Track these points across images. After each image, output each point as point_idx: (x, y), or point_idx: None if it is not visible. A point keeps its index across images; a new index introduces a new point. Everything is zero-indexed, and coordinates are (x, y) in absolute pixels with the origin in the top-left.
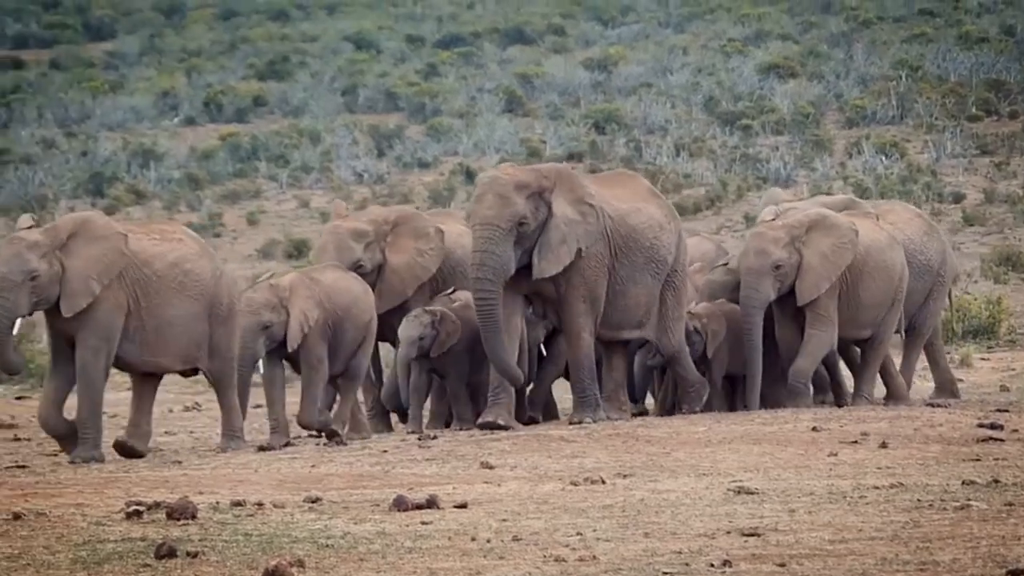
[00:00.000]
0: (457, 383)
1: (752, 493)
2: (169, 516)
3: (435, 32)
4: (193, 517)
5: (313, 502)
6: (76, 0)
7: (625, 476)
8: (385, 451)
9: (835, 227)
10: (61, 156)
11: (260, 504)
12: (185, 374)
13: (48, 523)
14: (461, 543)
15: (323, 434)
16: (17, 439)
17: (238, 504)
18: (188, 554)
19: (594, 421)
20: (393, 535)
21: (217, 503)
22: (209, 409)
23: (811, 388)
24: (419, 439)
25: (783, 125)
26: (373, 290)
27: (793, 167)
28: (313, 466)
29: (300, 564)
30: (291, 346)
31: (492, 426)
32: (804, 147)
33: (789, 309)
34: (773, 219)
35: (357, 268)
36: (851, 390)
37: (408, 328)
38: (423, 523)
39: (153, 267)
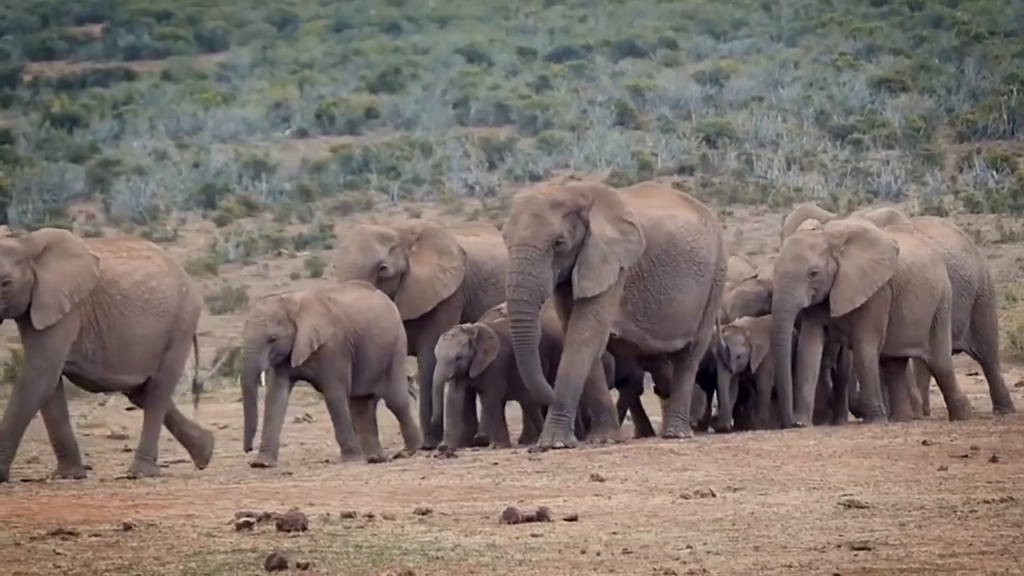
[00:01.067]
0: (494, 401)
1: (862, 507)
2: (279, 528)
3: (547, 45)
4: (303, 529)
5: (423, 514)
6: (188, 12)
7: (735, 489)
8: (496, 463)
9: (876, 241)
10: (173, 167)
11: (370, 516)
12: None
13: (158, 534)
14: (571, 556)
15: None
16: (128, 450)
17: (348, 516)
18: (298, 566)
19: (564, 446)
20: (503, 547)
21: (327, 515)
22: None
23: (811, 408)
24: (529, 451)
25: (894, 139)
26: (393, 298)
27: (904, 181)
28: (423, 478)
29: (411, 575)
30: (295, 361)
31: (550, 449)
32: (915, 161)
33: (818, 320)
34: (814, 228)
35: (380, 270)
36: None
37: (445, 348)
38: (533, 535)
39: (119, 286)
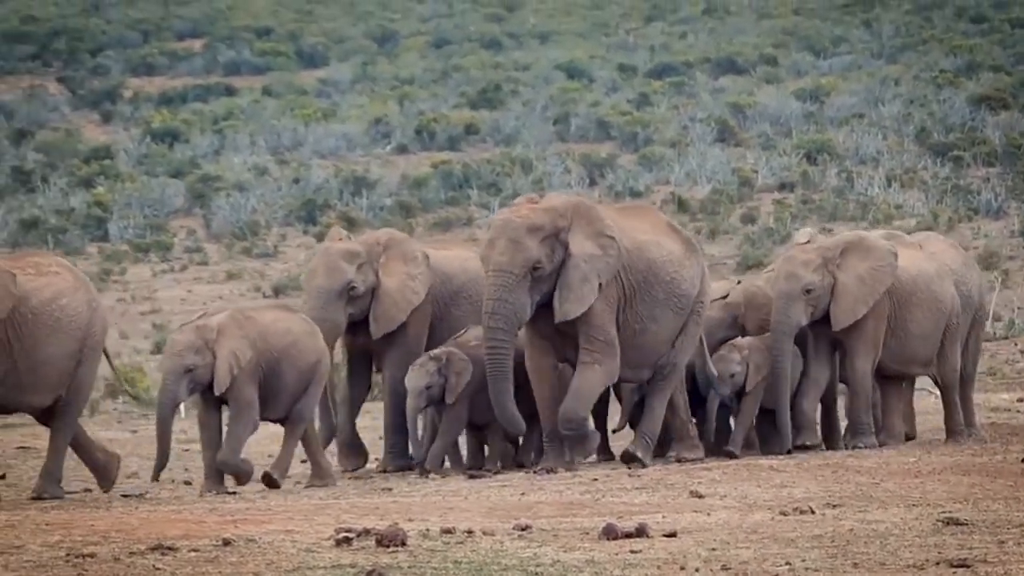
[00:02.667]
0: (453, 425)
1: (961, 524)
2: (379, 543)
3: (647, 61)
4: (403, 544)
5: (523, 530)
6: (289, 27)
7: (834, 506)
8: (595, 479)
9: (873, 249)
10: (273, 183)
11: (470, 531)
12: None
13: (258, 549)
14: (670, 572)
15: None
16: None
17: (448, 531)
18: None
19: (566, 470)
20: (602, 563)
21: (427, 530)
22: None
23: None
24: (628, 468)
25: (994, 156)
26: (368, 315)
27: (1004, 199)
28: (523, 494)
29: None
30: (218, 390)
31: (550, 472)
32: (1015, 179)
33: (824, 338)
34: (807, 242)
35: (350, 290)
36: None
37: (415, 378)
38: (632, 552)
39: (29, 304)
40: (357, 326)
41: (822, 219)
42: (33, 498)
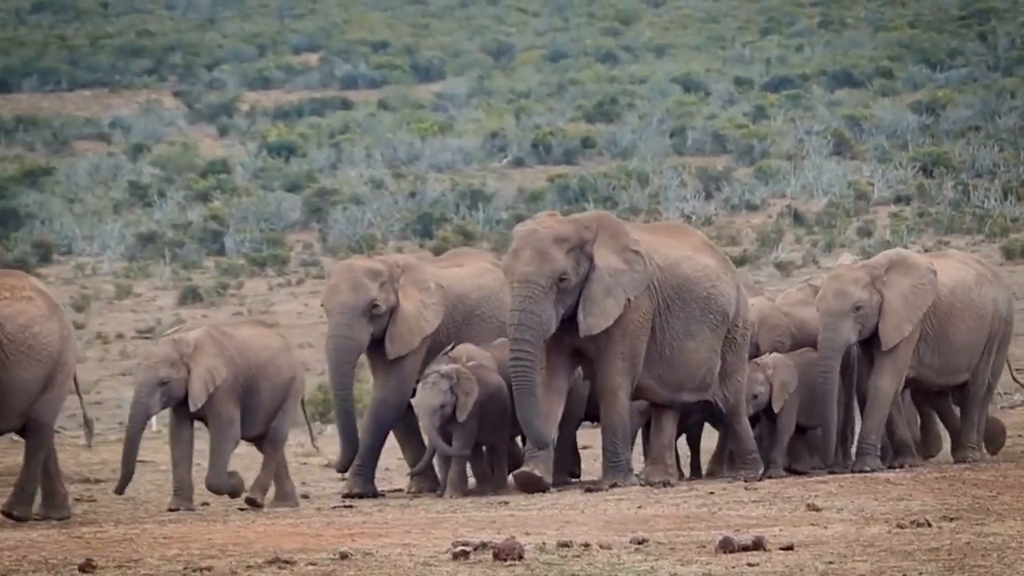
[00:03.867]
0: (464, 445)
1: None
2: (496, 556)
3: (763, 74)
4: (520, 558)
5: (640, 543)
6: (405, 41)
7: (951, 519)
8: (712, 492)
9: (914, 267)
10: (390, 197)
11: (587, 545)
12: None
13: (375, 563)
14: None
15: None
16: (344, 479)
17: (565, 545)
18: None
19: (623, 486)
20: None
21: (544, 543)
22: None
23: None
24: (745, 482)
25: None
26: (384, 335)
27: None
28: (640, 507)
29: None
30: (194, 405)
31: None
32: None
33: (874, 357)
34: (853, 262)
35: (373, 308)
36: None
37: (427, 397)
38: (749, 565)
39: (5, 330)
40: (375, 345)
41: (938, 232)
42: (3, 513)
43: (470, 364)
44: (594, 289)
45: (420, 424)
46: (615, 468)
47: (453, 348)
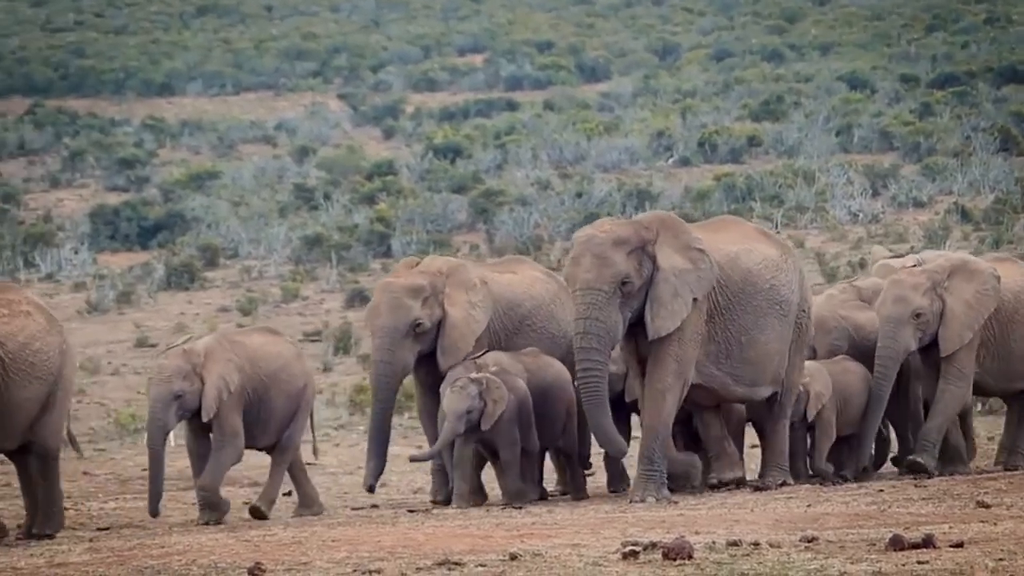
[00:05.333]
0: (511, 454)
1: None
2: (665, 556)
3: (929, 71)
4: (689, 557)
5: (809, 541)
6: (570, 41)
7: None
8: (881, 490)
9: (977, 272)
10: (556, 197)
11: (756, 544)
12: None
13: (544, 563)
14: None
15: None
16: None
17: (734, 544)
18: None
19: (657, 500)
20: (889, 575)
21: (713, 543)
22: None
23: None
24: (914, 480)
25: None
26: (435, 347)
27: None
28: (809, 506)
29: None
30: (206, 416)
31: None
32: None
33: (931, 364)
34: (914, 265)
35: (416, 327)
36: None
37: (455, 401)
38: (919, 563)
39: (5, 348)
40: (424, 360)
41: None
42: (23, 537)
43: (495, 371)
44: (661, 290)
45: (444, 427)
46: (648, 478)
47: (484, 355)
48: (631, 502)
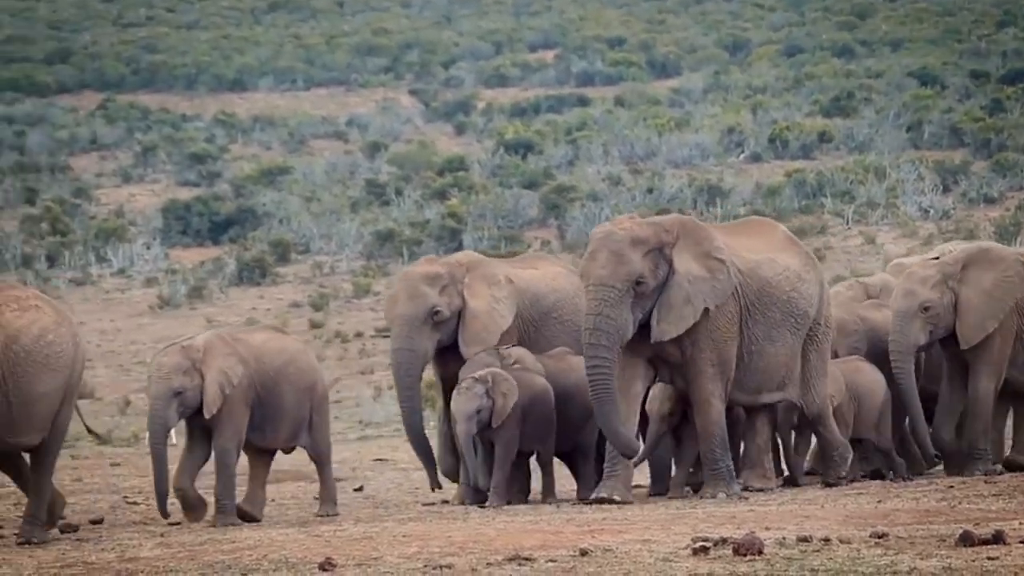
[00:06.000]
0: (505, 453)
1: None
2: (736, 552)
3: (1000, 67)
4: (759, 553)
5: (879, 537)
6: (641, 37)
7: None
8: (951, 487)
9: (999, 260)
10: (627, 193)
11: (826, 540)
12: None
13: (614, 559)
14: None
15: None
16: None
17: (804, 540)
18: None
19: (728, 496)
20: (959, 570)
21: (783, 538)
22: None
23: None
24: (986, 476)
25: None
26: (455, 340)
27: None
28: (879, 502)
29: None
30: (208, 411)
31: (606, 502)
32: None
33: (955, 358)
34: (936, 257)
35: (434, 315)
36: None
37: (462, 402)
38: (989, 558)
39: (20, 342)
40: (445, 352)
41: None
42: (20, 543)
43: (514, 366)
44: (672, 295)
45: (455, 430)
46: (717, 476)
47: (508, 348)
48: (701, 498)
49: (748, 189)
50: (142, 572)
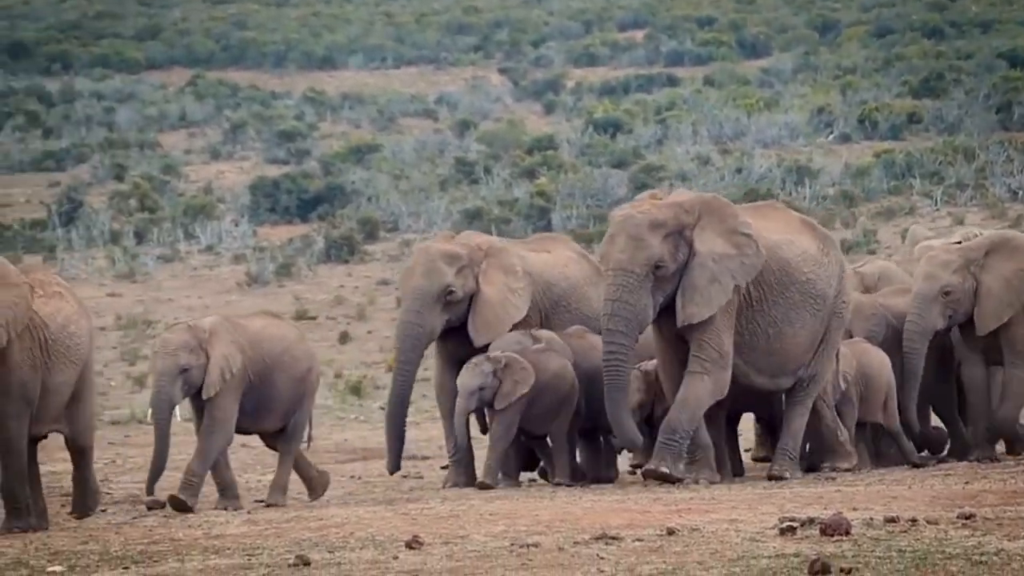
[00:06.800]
0: (504, 434)
1: None
2: (823, 532)
3: None
4: (847, 533)
5: (967, 519)
6: (731, 17)
7: None
8: None
9: (1019, 249)
10: (716, 173)
11: (914, 520)
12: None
13: (701, 538)
14: None
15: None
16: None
17: (891, 520)
18: (842, 570)
19: (669, 472)
20: None
21: (871, 519)
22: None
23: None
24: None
25: None
26: (463, 322)
27: None
28: (967, 483)
29: None
30: (207, 393)
31: (658, 475)
32: None
33: (976, 343)
34: (958, 242)
35: (447, 294)
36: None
37: (468, 377)
38: None
39: (49, 329)
40: (451, 334)
41: None
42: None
43: (537, 347)
44: (695, 276)
45: (456, 403)
46: (667, 449)
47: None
48: (645, 469)
49: (837, 170)
50: (229, 549)
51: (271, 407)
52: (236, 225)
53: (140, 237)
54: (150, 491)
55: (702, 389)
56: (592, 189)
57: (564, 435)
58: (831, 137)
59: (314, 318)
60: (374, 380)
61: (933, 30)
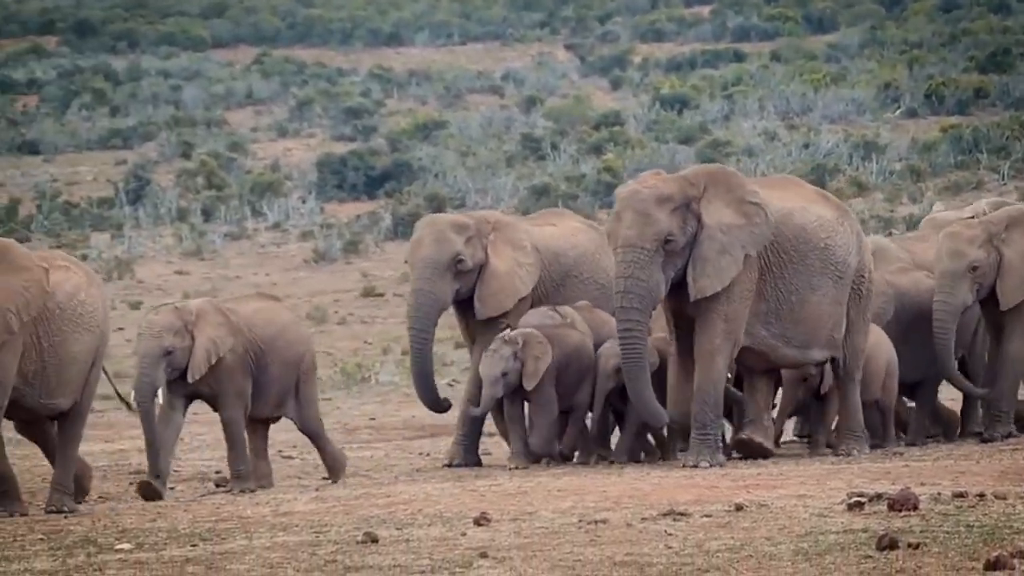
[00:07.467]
0: (546, 413)
1: None
2: (891, 507)
3: None
4: (915, 508)
5: None
6: None
7: None
8: None
9: None
10: (783, 148)
11: (982, 495)
12: (51, 418)
13: (770, 514)
14: None
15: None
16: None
17: (960, 495)
18: (910, 545)
19: (711, 465)
20: None
21: (939, 494)
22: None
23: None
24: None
25: None
26: (473, 293)
27: None
28: None
29: (1022, 555)
30: (192, 376)
31: (749, 445)
32: None
33: (991, 318)
34: (971, 217)
35: (457, 263)
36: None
37: (489, 366)
38: None
39: (56, 299)
40: (464, 306)
41: None
42: (48, 512)
43: (556, 322)
44: (705, 248)
45: (483, 392)
46: (703, 443)
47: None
48: (684, 467)
49: (904, 145)
50: (297, 526)
51: (265, 391)
52: (303, 202)
53: (207, 215)
54: (153, 472)
55: (715, 372)
56: (659, 165)
57: (585, 409)
58: (898, 112)
59: (381, 295)
60: (441, 357)
61: (999, 5)
